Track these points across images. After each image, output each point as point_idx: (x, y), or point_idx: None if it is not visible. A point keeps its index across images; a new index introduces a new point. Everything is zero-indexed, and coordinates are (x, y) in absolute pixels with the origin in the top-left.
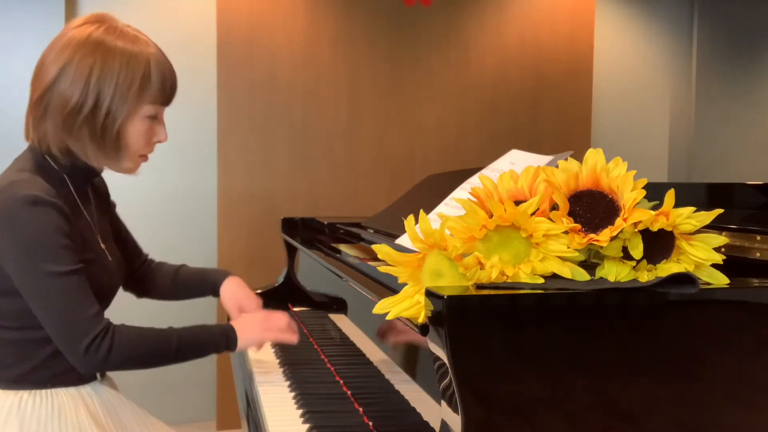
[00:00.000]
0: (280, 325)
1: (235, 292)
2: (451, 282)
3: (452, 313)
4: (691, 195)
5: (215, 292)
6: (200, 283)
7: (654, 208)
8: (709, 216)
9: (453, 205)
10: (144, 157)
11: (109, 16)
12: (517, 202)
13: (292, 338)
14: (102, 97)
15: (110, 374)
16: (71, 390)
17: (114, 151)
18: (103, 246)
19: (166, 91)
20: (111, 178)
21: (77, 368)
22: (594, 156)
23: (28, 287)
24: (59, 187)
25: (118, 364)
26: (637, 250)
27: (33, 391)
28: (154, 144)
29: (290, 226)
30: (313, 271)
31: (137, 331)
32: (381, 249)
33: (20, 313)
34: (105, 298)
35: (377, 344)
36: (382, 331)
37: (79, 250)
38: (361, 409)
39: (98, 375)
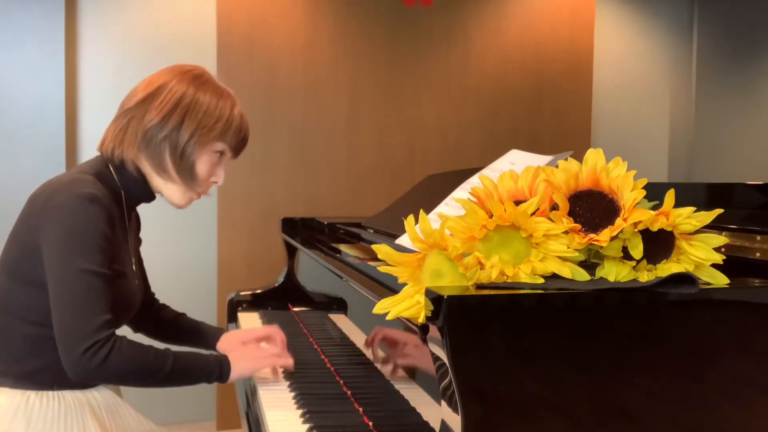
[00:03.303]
0: (272, 351)
1: (233, 333)
2: (451, 282)
3: (452, 313)
4: (691, 195)
5: (210, 345)
6: (197, 333)
7: (654, 208)
8: (709, 216)
9: (453, 205)
10: (197, 195)
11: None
12: (517, 202)
13: (287, 363)
14: (187, 121)
15: None
16: (77, 393)
17: (188, 172)
18: (133, 266)
19: (241, 138)
20: None
21: (67, 370)
22: (594, 156)
23: (54, 277)
24: (114, 197)
25: (108, 376)
26: (637, 250)
27: (40, 392)
28: (210, 184)
29: (290, 226)
30: (313, 271)
31: (136, 347)
32: (381, 249)
33: (41, 308)
34: (121, 315)
35: (377, 344)
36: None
37: (112, 259)
38: (361, 409)
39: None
